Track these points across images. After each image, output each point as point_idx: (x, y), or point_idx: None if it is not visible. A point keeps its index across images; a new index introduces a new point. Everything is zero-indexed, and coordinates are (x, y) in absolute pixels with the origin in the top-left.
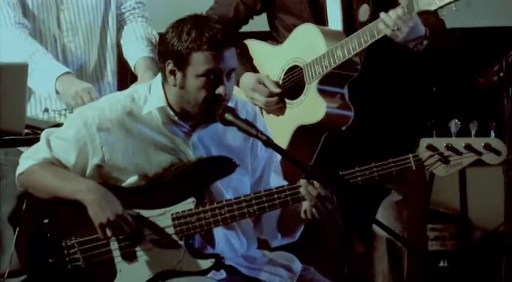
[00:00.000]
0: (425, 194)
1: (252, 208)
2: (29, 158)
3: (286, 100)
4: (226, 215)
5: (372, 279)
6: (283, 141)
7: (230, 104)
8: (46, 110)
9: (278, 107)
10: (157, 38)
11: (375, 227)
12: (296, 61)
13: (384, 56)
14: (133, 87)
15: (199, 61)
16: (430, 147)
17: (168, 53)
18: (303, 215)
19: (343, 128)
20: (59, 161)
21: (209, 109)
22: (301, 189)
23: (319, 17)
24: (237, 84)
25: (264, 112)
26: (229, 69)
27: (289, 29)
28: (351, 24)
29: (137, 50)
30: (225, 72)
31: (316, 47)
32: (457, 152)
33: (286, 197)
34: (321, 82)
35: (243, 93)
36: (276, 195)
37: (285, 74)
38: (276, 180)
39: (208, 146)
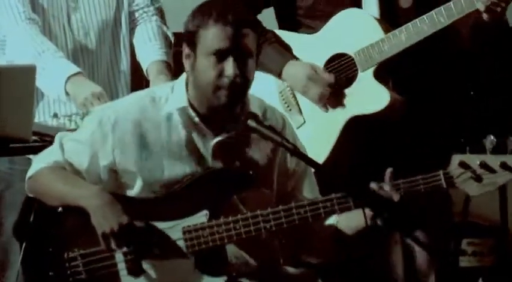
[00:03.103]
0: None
1: (269, 223)
2: (40, 161)
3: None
4: (241, 230)
5: None
6: (331, 135)
7: (259, 111)
8: (55, 115)
9: (332, 100)
10: (173, 38)
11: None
12: (341, 49)
13: (419, 56)
14: (156, 87)
15: (207, 38)
16: (462, 164)
17: (185, 35)
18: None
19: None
20: (72, 165)
21: (219, 93)
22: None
23: (353, 3)
24: (278, 76)
25: (304, 105)
26: (243, 50)
27: (316, 15)
28: (389, 11)
29: (149, 53)
30: (238, 52)
31: (368, 33)
32: (492, 170)
33: (305, 213)
34: (377, 70)
35: (272, 97)
36: (294, 211)
37: (327, 63)
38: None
39: (229, 155)
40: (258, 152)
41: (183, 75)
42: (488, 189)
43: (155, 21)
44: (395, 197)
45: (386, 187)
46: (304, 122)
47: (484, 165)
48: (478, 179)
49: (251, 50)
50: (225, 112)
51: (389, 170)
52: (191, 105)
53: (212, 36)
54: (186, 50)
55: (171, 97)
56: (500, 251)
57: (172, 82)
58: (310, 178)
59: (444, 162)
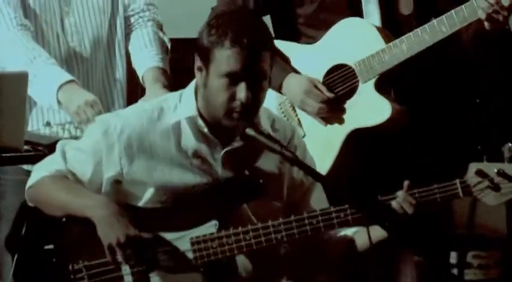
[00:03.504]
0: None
1: (280, 234)
2: (40, 169)
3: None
4: (252, 241)
5: None
6: (332, 148)
7: (268, 121)
8: (48, 123)
9: (332, 113)
10: (169, 44)
11: None
12: (341, 59)
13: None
14: (163, 97)
15: (222, 59)
16: (479, 173)
17: (197, 47)
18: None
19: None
20: (74, 174)
21: (230, 116)
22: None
23: (355, 11)
24: (278, 90)
25: (304, 118)
26: (259, 73)
27: (316, 24)
28: (391, 19)
29: (145, 59)
30: (252, 76)
31: (369, 43)
32: (510, 179)
33: (318, 223)
34: (378, 80)
35: (271, 109)
36: (307, 221)
37: (327, 74)
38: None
39: (238, 165)
40: (268, 161)
41: (192, 83)
42: (507, 199)
43: (151, 26)
44: (409, 209)
45: (400, 198)
46: (305, 135)
47: (502, 173)
48: (495, 188)
49: (266, 73)
50: (235, 130)
51: (406, 183)
52: (200, 114)
53: (227, 58)
54: (198, 61)
55: (179, 106)
56: (506, 264)
57: (180, 91)
58: (319, 190)
59: (452, 172)
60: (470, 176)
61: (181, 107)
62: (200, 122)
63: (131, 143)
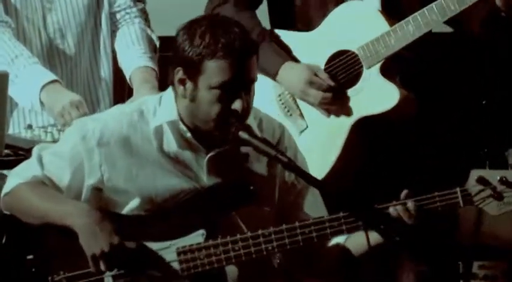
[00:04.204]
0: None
1: (271, 244)
2: (16, 175)
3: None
4: (241, 252)
5: None
6: (337, 139)
7: (254, 122)
8: (29, 126)
9: (335, 102)
10: (158, 42)
11: None
12: (342, 45)
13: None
14: (142, 100)
15: (213, 70)
16: (481, 181)
17: (178, 58)
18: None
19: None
20: (51, 180)
21: (223, 127)
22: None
23: None
24: (273, 78)
25: (307, 109)
26: (250, 80)
27: (309, 11)
28: (392, 3)
29: (132, 59)
30: (244, 84)
31: (372, 26)
32: None
33: (310, 232)
34: (384, 65)
35: (270, 101)
36: (299, 230)
37: (329, 61)
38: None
39: (225, 171)
40: (257, 164)
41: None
42: (510, 209)
43: (138, 23)
44: (408, 218)
45: (400, 207)
46: (307, 126)
47: (505, 181)
48: (498, 197)
49: (256, 77)
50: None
51: (404, 192)
52: (181, 119)
53: (221, 69)
54: (180, 74)
55: (159, 110)
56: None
57: (160, 94)
58: (313, 193)
59: (454, 177)
60: (472, 184)
61: (162, 110)
62: (182, 126)
63: (111, 148)
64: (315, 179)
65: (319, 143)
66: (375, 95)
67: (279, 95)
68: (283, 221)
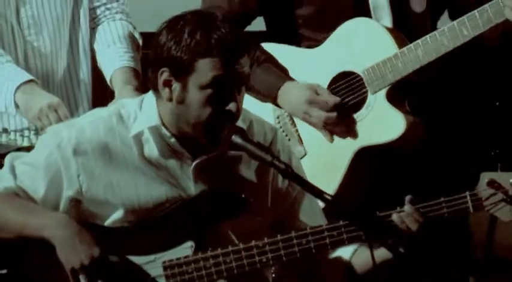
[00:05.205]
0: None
1: (266, 256)
2: None
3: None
4: (232, 265)
5: None
6: (338, 168)
7: (243, 125)
8: (5, 130)
9: (340, 123)
10: (141, 40)
11: None
12: (347, 67)
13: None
14: (120, 102)
15: (206, 69)
16: (492, 184)
17: (163, 59)
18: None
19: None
20: (26, 192)
21: (214, 130)
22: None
23: (361, 10)
24: (273, 102)
25: (306, 134)
26: (243, 79)
27: (318, 26)
28: (402, 17)
29: (113, 58)
30: (236, 83)
31: (379, 47)
32: None
33: (308, 243)
34: (390, 91)
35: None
36: (295, 241)
37: (331, 84)
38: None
39: (213, 177)
40: (248, 170)
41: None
42: None
43: (120, 19)
44: (413, 226)
45: (404, 214)
46: (306, 153)
47: None
48: (511, 201)
49: (248, 76)
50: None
51: (408, 197)
52: (163, 124)
53: (214, 67)
54: (166, 75)
55: (139, 114)
56: None
57: (140, 97)
58: (310, 200)
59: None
60: (482, 188)
61: (142, 115)
62: (165, 131)
63: (89, 156)
64: (315, 187)
65: (318, 171)
66: (379, 123)
67: (277, 117)
68: (279, 230)
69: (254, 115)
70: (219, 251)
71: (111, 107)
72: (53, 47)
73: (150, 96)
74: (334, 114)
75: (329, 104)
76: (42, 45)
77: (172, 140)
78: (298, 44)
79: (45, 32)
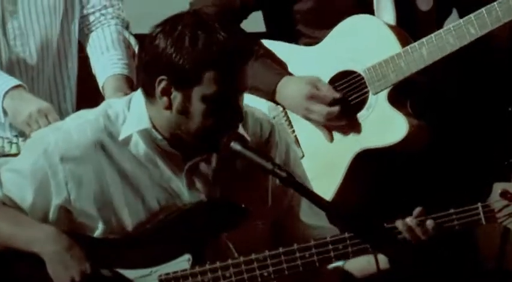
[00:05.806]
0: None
1: (267, 270)
2: None
3: None
4: (232, 279)
5: None
6: (336, 172)
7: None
8: None
9: (343, 119)
10: (137, 46)
11: None
12: (347, 65)
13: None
14: (106, 103)
15: (210, 81)
16: (505, 195)
17: (162, 66)
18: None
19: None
20: (12, 200)
21: (216, 138)
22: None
23: (363, 7)
24: (271, 98)
25: (303, 136)
26: (244, 88)
27: (316, 23)
28: (407, 15)
29: (106, 66)
30: (239, 92)
31: (381, 45)
32: None
33: (311, 256)
34: (392, 92)
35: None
36: (298, 254)
37: (330, 83)
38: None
39: (209, 182)
40: (246, 174)
41: (140, 91)
42: None
43: (115, 25)
44: (421, 239)
45: (412, 225)
46: (303, 155)
47: None
48: None
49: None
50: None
51: (418, 210)
52: (154, 127)
53: (219, 77)
54: (164, 84)
55: (128, 116)
56: None
57: (127, 97)
58: (309, 208)
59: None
60: (495, 199)
61: (131, 117)
62: (156, 134)
63: (77, 162)
64: (319, 197)
65: (316, 174)
66: (380, 125)
67: (273, 118)
68: (279, 231)
69: (249, 108)
70: (218, 264)
71: (98, 108)
72: (39, 58)
73: (138, 96)
74: (337, 108)
75: (330, 98)
76: (28, 57)
77: (164, 142)
78: (296, 42)
79: (31, 42)
